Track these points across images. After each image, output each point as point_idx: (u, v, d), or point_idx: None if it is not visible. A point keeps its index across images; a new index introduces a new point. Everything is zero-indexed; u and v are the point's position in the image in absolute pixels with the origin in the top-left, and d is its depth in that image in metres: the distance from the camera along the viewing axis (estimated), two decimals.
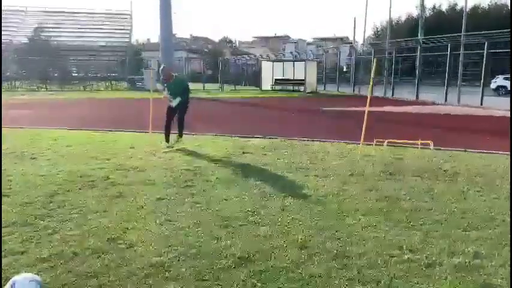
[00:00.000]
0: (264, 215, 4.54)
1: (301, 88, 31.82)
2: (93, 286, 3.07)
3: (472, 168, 6.71)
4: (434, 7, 54.63)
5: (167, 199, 5.04)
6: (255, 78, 39.17)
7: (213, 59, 49.43)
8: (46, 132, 10.37)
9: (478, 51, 20.44)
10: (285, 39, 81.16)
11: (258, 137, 9.65)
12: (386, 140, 8.49)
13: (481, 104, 19.02)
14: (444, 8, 54.92)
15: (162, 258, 3.49)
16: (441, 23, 43.58)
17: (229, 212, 4.62)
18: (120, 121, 12.69)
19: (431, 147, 8.22)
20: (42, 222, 4.24)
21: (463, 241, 3.86)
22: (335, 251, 3.64)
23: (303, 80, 31.96)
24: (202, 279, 3.17)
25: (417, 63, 25.22)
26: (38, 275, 2.92)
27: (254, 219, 4.39)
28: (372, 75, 8.01)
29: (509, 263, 3.42)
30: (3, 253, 3.49)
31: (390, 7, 58.03)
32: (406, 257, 3.53)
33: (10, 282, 2.59)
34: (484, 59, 19.36)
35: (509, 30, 17.83)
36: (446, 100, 21.23)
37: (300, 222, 4.31)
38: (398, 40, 29.12)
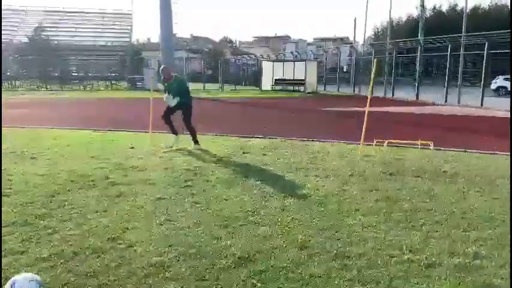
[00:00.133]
0: (264, 215, 4.54)
1: (301, 88, 31.83)
2: (93, 286, 3.07)
3: (472, 169, 6.71)
4: (434, 8, 54.66)
5: (167, 199, 5.04)
6: (255, 78, 39.20)
7: (213, 59, 49.45)
8: (46, 132, 10.37)
9: (478, 52, 20.44)
10: (285, 39, 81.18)
11: (258, 137, 9.66)
12: (387, 141, 8.49)
13: (481, 104, 19.02)
14: (444, 8, 54.95)
15: (162, 258, 3.49)
16: (441, 24, 43.59)
17: (229, 212, 4.62)
18: (120, 121, 12.69)
19: (432, 147, 8.22)
20: (42, 221, 4.24)
21: (463, 241, 3.86)
22: (335, 251, 3.64)
23: (303, 80, 31.97)
24: (202, 279, 3.17)
25: (417, 63, 25.23)
26: (38, 274, 2.92)
27: (254, 219, 4.39)
28: (373, 75, 8.02)
29: (509, 263, 3.43)
30: (3, 253, 3.49)
31: (390, 8, 58.13)
32: (406, 257, 3.54)
33: (10, 281, 2.59)
34: (484, 59, 19.36)
35: (509, 30, 17.84)
36: (446, 101, 21.24)
37: (300, 223, 4.31)
38: (399, 40, 29.13)
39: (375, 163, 7.11)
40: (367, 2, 44.42)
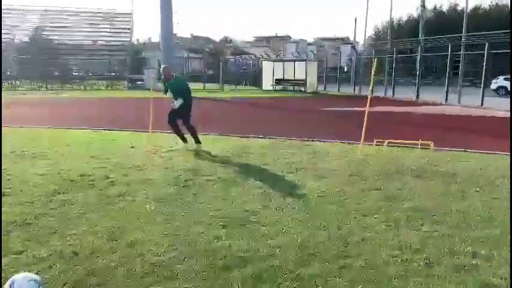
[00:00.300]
0: (263, 214, 4.54)
1: (302, 88, 31.83)
2: (93, 285, 3.07)
3: (471, 169, 6.71)
4: (435, 8, 54.64)
5: (167, 198, 5.05)
6: (255, 78, 39.17)
7: (214, 58, 49.44)
8: (46, 132, 10.38)
9: (479, 52, 20.44)
10: (286, 39, 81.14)
11: (258, 137, 9.66)
12: (387, 140, 8.48)
13: (482, 104, 19.02)
14: (445, 8, 54.94)
15: (161, 257, 3.49)
16: (442, 24, 43.59)
17: (229, 211, 4.62)
18: (120, 120, 12.70)
19: (432, 147, 8.22)
20: (41, 221, 4.25)
21: (462, 241, 3.86)
22: (335, 251, 3.64)
23: (303, 80, 31.97)
24: (202, 279, 3.17)
25: (418, 63, 25.23)
26: (37, 274, 2.92)
27: (254, 219, 4.39)
28: (373, 73, 8.01)
29: (508, 262, 3.42)
30: (2, 252, 3.49)
31: (391, 8, 58.09)
32: (405, 257, 3.54)
33: (9, 281, 2.59)
34: (485, 59, 19.35)
35: (509, 31, 17.83)
36: (446, 100, 21.23)
37: (300, 222, 4.31)
38: (399, 40, 29.14)
39: (375, 163, 7.11)
40: (367, 2, 44.46)
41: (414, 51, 27.18)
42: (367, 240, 3.89)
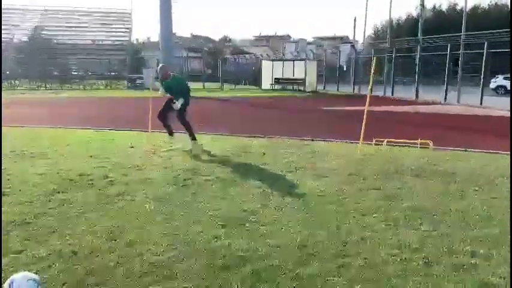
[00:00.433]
0: (263, 214, 4.54)
1: (301, 87, 31.83)
2: (92, 285, 3.07)
3: (471, 168, 6.72)
4: (434, 7, 54.66)
5: (166, 198, 5.05)
6: (254, 78, 39.16)
7: (213, 58, 49.41)
8: (46, 131, 10.37)
9: (478, 51, 20.45)
10: (285, 38, 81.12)
11: (257, 137, 9.66)
12: (386, 140, 8.49)
13: (481, 103, 19.02)
14: (444, 8, 54.96)
15: (161, 257, 3.50)
16: (441, 23, 43.61)
17: (228, 211, 4.62)
18: (119, 120, 12.69)
19: (431, 146, 8.22)
20: (41, 221, 4.25)
21: (461, 240, 3.87)
22: (334, 251, 3.64)
23: (303, 79, 31.97)
24: (201, 278, 3.17)
25: (417, 62, 25.23)
26: (36, 273, 2.92)
27: (253, 219, 4.39)
28: (372, 71, 8.01)
29: (507, 262, 3.43)
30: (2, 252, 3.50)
31: (390, 7, 58.03)
32: (404, 256, 3.54)
33: (8, 281, 2.59)
34: (484, 58, 19.36)
35: (508, 30, 17.84)
36: (446, 100, 21.24)
37: (299, 222, 4.31)
38: (398, 40, 29.14)
39: (374, 162, 7.11)
40: (366, 2, 44.50)
41: (413, 50, 27.18)
42: (366, 239, 3.89)
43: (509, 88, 26.47)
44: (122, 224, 4.19)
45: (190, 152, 7.82)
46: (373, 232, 4.06)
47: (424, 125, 13.17)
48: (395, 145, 8.45)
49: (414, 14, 52.36)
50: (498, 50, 20.34)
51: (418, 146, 8.32)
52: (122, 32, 39.58)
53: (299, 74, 32.48)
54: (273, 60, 37.76)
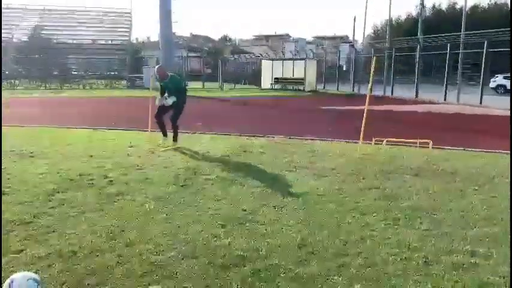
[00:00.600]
0: (263, 213, 4.54)
1: (301, 87, 31.82)
2: (92, 285, 3.07)
3: (470, 167, 6.72)
4: (434, 6, 54.68)
5: (166, 198, 5.05)
6: (254, 77, 39.15)
7: (213, 57, 49.40)
8: (45, 131, 10.37)
9: (478, 50, 20.46)
10: (285, 38, 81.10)
11: (257, 136, 9.66)
12: (386, 139, 8.49)
13: (481, 103, 19.03)
14: (444, 7, 54.97)
15: (160, 256, 3.50)
16: (441, 22, 43.62)
17: (228, 210, 4.62)
18: (119, 119, 12.68)
19: (430, 146, 8.22)
20: (40, 220, 4.25)
21: (461, 239, 3.87)
22: (334, 250, 3.64)
23: (302, 78, 31.96)
24: (201, 278, 3.17)
25: (417, 62, 25.22)
26: (36, 273, 2.92)
27: (253, 218, 4.39)
28: (372, 70, 8.00)
29: (507, 261, 3.43)
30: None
31: (390, 6, 58.07)
32: (404, 255, 3.54)
33: (8, 280, 2.59)
34: (484, 58, 19.36)
35: (508, 29, 17.83)
36: (445, 99, 21.24)
37: (299, 221, 4.32)
38: (398, 39, 29.14)
39: (373, 162, 7.11)
40: (366, 1, 44.46)
41: (413, 49, 27.17)
42: (366, 238, 3.89)
43: (509, 87, 26.47)
44: (122, 224, 4.19)
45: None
46: (373, 231, 4.06)
47: (424, 125, 13.17)
48: (395, 144, 8.45)
49: (414, 13, 52.41)
50: (498, 50, 20.35)
51: (418, 145, 8.32)
52: (122, 31, 39.55)
53: (299, 74, 32.47)
54: (272, 59, 37.75)
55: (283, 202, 4.93)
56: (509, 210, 4.61)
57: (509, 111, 15.02)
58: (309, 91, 30.75)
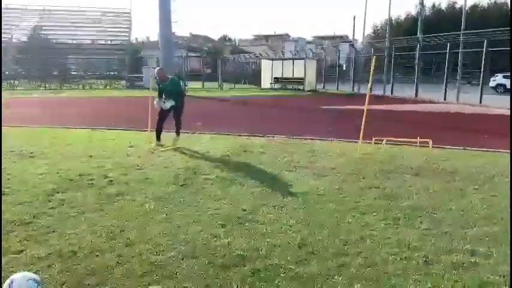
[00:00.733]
0: (262, 213, 4.54)
1: (301, 86, 31.82)
2: (92, 285, 3.07)
3: (470, 167, 6.72)
4: (433, 6, 54.68)
5: (166, 197, 5.04)
6: (254, 77, 39.15)
7: (213, 57, 49.40)
8: (45, 131, 10.37)
9: (477, 50, 20.45)
10: (284, 37, 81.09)
11: (257, 136, 9.65)
12: (385, 139, 8.49)
13: (480, 102, 19.03)
14: (443, 6, 54.98)
15: (160, 256, 3.50)
16: (440, 22, 43.62)
17: (228, 210, 4.62)
18: (119, 119, 12.68)
19: (430, 145, 8.22)
20: (40, 220, 4.24)
21: (461, 239, 3.87)
22: (334, 250, 3.64)
23: (302, 78, 31.95)
24: (201, 278, 3.17)
25: (416, 61, 25.22)
26: (36, 273, 2.92)
27: (253, 218, 4.39)
28: (372, 70, 7.99)
29: (506, 260, 3.43)
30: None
31: (390, 6, 58.06)
32: (404, 255, 3.54)
33: (8, 280, 2.59)
34: (483, 57, 19.36)
35: (508, 28, 17.82)
36: (445, 98, 21.23)
37: (299, 221, 4.31)
38: (398, 38, 29.13)
39: (373, 161, 7.11)
40: (366, 1, 44.44)
41: (413, 49, 27.17)
42: (366, 238, 3.89)
43: (508, 86, 26.46)
44: (122, 224, 4.19)
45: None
46: (372, 231, 4.06)
47: (424, 124, 13.16)
48: (395, 144, 8.45)
49: (413, 12, 52.41)
50: (497, 49, 20.34)
51: (418, 144, 8.32)
52: (121, 31, 39.54)
53: (298, 73, 32.46)
54: (272, 59, 37.75)
55: (283, 202, 4.93)
56: (509, 210, 4.61)
57: (509, 111, 15.02)
58: (308, 91, 30.74)
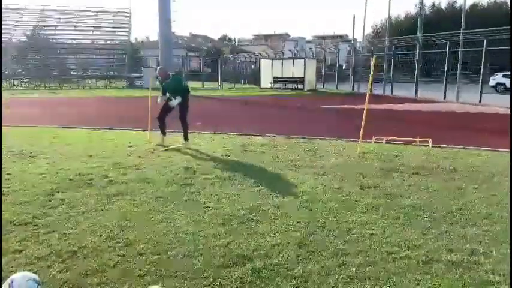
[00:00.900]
0: (262, 212, 4.54)
1: (300, 86, 31.81)
2: (92, 284, 3.07)
3: (470, 165, 6.72)
4: (433, 5, 54.65)
5: (166, 197, 5.04)
6: (254, 76, 39.14)
7: (212, 57, 49.39)
8: (45, 131, 10.36)
9: (477, 49, 20.45)
10: (284, 37, 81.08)
11: (257, 135, 9.65)
12: (385, 138, 8.49)
13: (480, 101, 19.04)
14: (443, 5, 54.96)
15: (160, 256, 3.49)
16: (440, 21, 43.58)
17: (228, 209, 4.62)
18: (119, 119, 12.68)
19: (430, 144, 8.23)
20: (40, 220, 4.24)
21: (461, 238, 3.87)
22: (333, 249, 3.64)
23: (302, 78, 31.95)
24: (201, 277, 3.17)
25: (416, 60, 25.23)
26: (36, 273, 2.92)
27: (253, 217, 4.39)
28: (372, 69, 7.99)
29: (506, 259, 3.43)
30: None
31: (389, 5, 58.03)
32: (404, 254, 3.54)
33: (8, 280, 2.59)
34: (483, 56, 19.36)
35: (507, 27, 17.81)
36: (445, 97, 21.24)
37: (299, 220, 4.31)
38: (397, 38, 29.12)
39: (373, 160, 7.11)
40: (366, 1, 44.41)
41: (413, 48, 27.18)
42: (365, 237, 3.89)
43: (508, 85, 26.46)
44: (122, 224, 4.18)
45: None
46: (372, 230, 4.06)
47: (424, 123, 13.16)
48: (395, 143, 8.45)
49: (413, 12, 52.38)
50: (497, 48, 20.34)
51: (418, 143, 8.32)
52: (121, 31, 39.53)
53: (298, 73, 32.45)
54: (272, 59, 37.73)
55: (283, 201, 4.92)
56: (509, 208, 4.61)
57: (509, 110, 15.01)
58: (308, 90, 30.74)
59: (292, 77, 33.11)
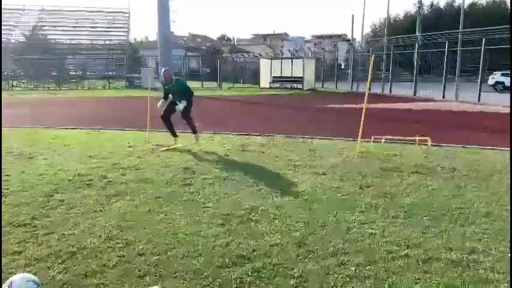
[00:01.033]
0: (262, 212, 4.54)
1: (299, 85, 31.81)
2: (91, 285, 3.07)
3: (469, 164, 6.72)
4: (432, 4, 54.67)
5: (165, 197, 5.04)
6: (253, 76, 39.13)
7: (212, 56, 49.38)
8: (44, 132, 10.35)
9: (476, 48, 20.46)
10: (283, 36, 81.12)
11: (256, 135, 9.65)
12: (384, 137, 8.50)
13: (479, 100, 19.05)
14: (442, 5, 55.00)
15: (160, 256, 3.49)
16: (439, 20, 43.62)
17: (227, 209, 4.62)
18: (117, 120, 12.68)
19: (429, 143, 8.23)
20: (39, 221, 4.24)
21: (460, 236, 3.87)
22: (333, 248, 3.64)
23: (301, 77, 31.94)
24: (200, 278, 3.17)
25: (415, 60, 25.23)
26: (35, 275, 2.91)
27: (252, 217, 4.39)
28: (370, 68, 8.00)
29: (506, 258, 3.43)
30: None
31: (388, 4, 57.96)
32: (403, 253, 3.54)
33: (7, 282, 2.58)
34: (482, 55, 19.36)
35: (507, 26, 17.82)
36: (444, 96, 21.25)
37: (298, 220, 4.31)
38: (396, 37, 29.11)
39: (372, 159, 7.11)
40: (364, 0, 44.45)
41: (411, 47, 27.18)
42: (365, 236, 3.89)
43: (507, 84, 26.48)
44: (121, 224, 4.18)
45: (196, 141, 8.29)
46: (372, 229, 4.06)
47: (423, 122, 13.16)
48: (394, 142, 8.46)
49: (412, 11, 52.39)
50: (496, 47, 20.34)
51: (417, 142, 8.33)
52: (120, 31, 39.50)
53: (297, 72, 32.44)
54: (271, 58, 37.72)
55: (283, 200, 4.92)
56: (508, 207, 4.62)
57: (509, 108, 15.02)
58: (307, 90, 30.73)
59: (291, 77, 33.11)
